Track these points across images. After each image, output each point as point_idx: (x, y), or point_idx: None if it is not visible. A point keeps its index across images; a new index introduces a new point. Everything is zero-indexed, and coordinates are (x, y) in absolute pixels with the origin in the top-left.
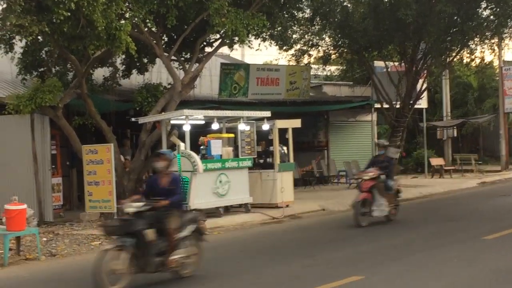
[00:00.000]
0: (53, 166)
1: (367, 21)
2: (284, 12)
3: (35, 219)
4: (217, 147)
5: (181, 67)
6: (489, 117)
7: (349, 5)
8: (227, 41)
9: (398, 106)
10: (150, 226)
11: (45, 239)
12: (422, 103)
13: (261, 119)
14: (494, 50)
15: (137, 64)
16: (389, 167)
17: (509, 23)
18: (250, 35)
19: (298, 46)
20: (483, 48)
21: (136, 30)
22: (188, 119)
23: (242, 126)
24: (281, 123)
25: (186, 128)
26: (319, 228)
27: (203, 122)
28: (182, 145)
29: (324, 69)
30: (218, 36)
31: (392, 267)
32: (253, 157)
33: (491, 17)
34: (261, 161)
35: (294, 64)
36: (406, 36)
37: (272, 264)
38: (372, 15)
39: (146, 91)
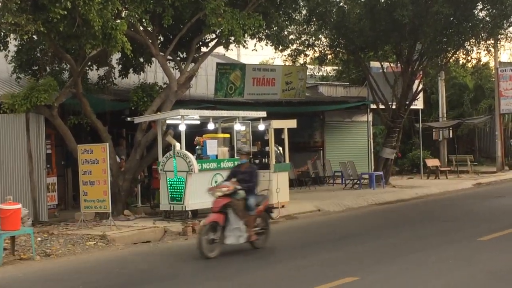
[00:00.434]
0: (48, 166)
1: (363, 22)
2: (281, 12)
3: (30, 219)
4: (212, 147)
5: (177, 67)
6: (484, 118)
7: (345, 6)
8: (223, 41)
9: (394, 106)
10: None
11: (39, 239)
12: (418, 104)
13: (257, 119)
14: (490, 51)
15: (133, 63)
16: (252, 180)
17: (505, 25)
18: (246, 35)
19: (294, 46)
20: (479, 49)
21: (132, 30)
22: (184, 119)
23: (237, 126)
24: (276, 123)
25: (182, 128)
26: (315, 228)
27: (198, 122)
28: (177, 145)
29: (320, 69)
30: (214, 36)
31: (388, 267)
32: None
33: (487, 18)
34: (257, 161)
35: (290, 64)
36: (402, 37)
37: (266, 265)
38: (368, 15)
39: (142, 91)
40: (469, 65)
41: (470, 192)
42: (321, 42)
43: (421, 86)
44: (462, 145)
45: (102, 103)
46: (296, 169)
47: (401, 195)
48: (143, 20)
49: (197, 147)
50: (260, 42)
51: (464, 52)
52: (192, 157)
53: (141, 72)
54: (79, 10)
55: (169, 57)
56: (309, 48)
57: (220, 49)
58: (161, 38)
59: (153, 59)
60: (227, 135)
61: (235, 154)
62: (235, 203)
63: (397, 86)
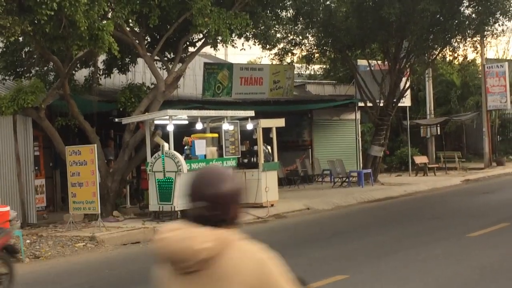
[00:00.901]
0: (36, 168)
1: (350, 20)
2: (268, 11)
3: (18, 221)
4: (201, 147)
5: (164, 67)
6: (472, 114)
7: (332, 4)
8: (210, 41)
9: (381, 104)
10: None
11: (28, 241)
12: (406, 101)
13: (245, 118)
14: (476, 48)
15: (119, 63)
16: None
17: (490, 21)
18: (233, 35)
19: (282, 45)
20: (465, 46)
21: (118, 30)
22: (172, 119)
23: (226, 126)
24: (265, 123)
25: (170, 128)
26: (304, 227)
27: (187, 122)
28: (166, 145)
29: (307, 68)
30: (201, 36)
31: (378, 265)
32: (237, 157)
33: (473, 15)
34: (245, 160)
35: (277, 63)
36: (389, 35)
37: None
38: (355, 14)
39: (129, 92)
40: (456, 62)
41: (459, 189)
42: (308, 41)
43: (408, 83)
44: (450, 142)
45: (90, 104)
46: (285, 167)
47: (389, 193)
48: (130, 20)
49: (186, 147)
50: (247, 42)
51: (451, 49)
52: (180, 157)
53: (128, 72)
54: (65, 11)
55: (156, 57)
56: (296, 47)
57: (208, 49)
58: (148, 38)
59: (140, 59)
60: (216, 135)
61: (224, 154)
62: None
63: (385, 84)
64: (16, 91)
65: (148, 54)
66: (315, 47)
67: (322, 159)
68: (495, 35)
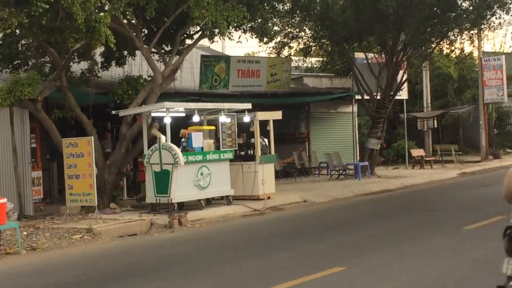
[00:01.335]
0: (33, 160)
1: (347, 13)
2: (265, 4)
3: (15, 213)
4: (198, 139)
5: (161, 59)
6: (469, 108)
7: None
8: (207, 33)
9: (378, 97)
10: None
11: (25, 233)
12: (403, 94)
13: (242, 111)
14: (473, 41)
15: (116, 56)
16: None
17: (488, 15)
18: (230, 27)
19: (279, 39)
20: (462, 39)
21: (115, 22)
22: (169, 112)
23: (223, 118)
24: (262, 115)
25: (167, 120)
26: (301, 219)
27: (184, 114)
28: (163, 137)
29: (304, 61)
30: (198, 28)
31: (374, 258)
32: (234, 149)
33: (470, 8)
34: (242, 153)
35: (274, 56)
36: (386, 27)
37: (254, 256)
38: (352, 6)
39: (127, 84)
40: (453, 55)
41: (455, 182)
42: (305, 34)
43: (405, 76)
44: (446, 135)
45: (86, 97)
46: (282, 160)
47: (386, 186)
48: (127, 12)
49: (183, 139)
50: (244, 34)
51: (448, 42)
52: (177, 150)
53: (125, 65)
54: (62, 3)
55: (153, 49)
56: (294, 40)
57: (205, 41)
58: (145, 30)
59: (137, 51)
60: (213, 127)
61: (221, 146)
62: None
63: (382, 76)
64: (13, 83)
65: (145, 46)
66: (312, 40)
67: (319, 151)
68: (492, 28)
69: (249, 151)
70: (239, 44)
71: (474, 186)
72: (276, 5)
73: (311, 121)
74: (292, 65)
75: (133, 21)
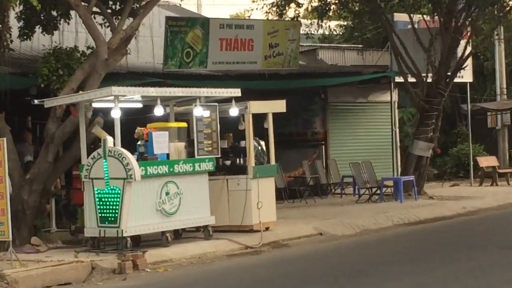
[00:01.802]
0: None
1: None
2: None
3: None
4: (162, 142)
5: (107, 23)
6: None
7: None
8: None
9: (429, 79)
10: None
11: None
12: (465, 76)
13: (227, 100)
14: None
15: (42, 18)
16: None
17: None
18: None
19: None
20: None
21: None
22: (119, 101)
23: (198, 111)
24: (256, 106)
25: (116, 114)
26: (314, 261)
27: (141, 105)
28: (109, 139)
29: (320, 25)
30: None
31: None
32: (216, 157)
33: None
34: (228, 162)
35: (275, 18)
36: None
37: None
38: None
39: (56, 60)
40: None
41: None
42: None
43: (469, 49)
44: None
45: None
46: (287, 173)
47: (441, 211)
48: None
49: (139, 142)
50: None
51: None
52: (131, 158)
53: (54, 32)
54: None
55: (95, 9)
56: None
57: None
58: None
59: (72, 12)
60: (184, 124)
61: (196, 153)
62: None
63: (434, 49)
64: None
65: (84, 4)
66: None
67: (342, 160)
68: None
69: (237, 160)
70: (222, 1)
71: None
72: None
73: (330, 115)
74: (301, 32)
75: None
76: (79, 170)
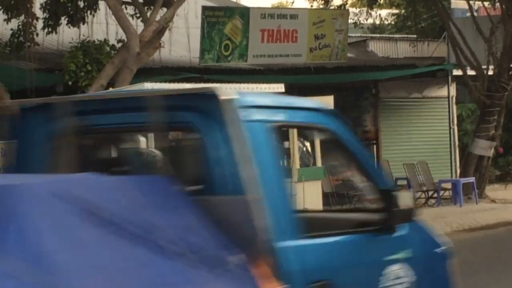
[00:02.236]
0: None
1: None
2: None
3: None
4: None
5: (138, 14)
6: None
7: None
8: None
9: (491, 72)
10: None
11: None
12: None
13: None
14: None
15: (69, 10)
16: None
17: None
18: None
19: None
20: None
21: None
22: None
23: None
24: None
25: None
26: None
27: None
28: (142, 139)
29: (369, 14)
30: None
31: None
32: None
33: None
34: None
35: (321, 7)
36: None
37: None
38: None
39: (84, 54)
40: None
41: None
42: None
43: None
44: None
45: (20, 76)
46: (334, 176)
47: (504, 215)
48: None
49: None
50: None
51: None
52: None
53: (81, 24)
54: None
55: None
56: None
57: None
58: None
59: (101, 2)
60: None
61: None
62: None
63: (496, 39)
64: None
65: None
66: None
67: (395, 161)
68: None
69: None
70: None
71: None
72: None
73: (382, 112)
74: (349, 21)
75: None
76: None
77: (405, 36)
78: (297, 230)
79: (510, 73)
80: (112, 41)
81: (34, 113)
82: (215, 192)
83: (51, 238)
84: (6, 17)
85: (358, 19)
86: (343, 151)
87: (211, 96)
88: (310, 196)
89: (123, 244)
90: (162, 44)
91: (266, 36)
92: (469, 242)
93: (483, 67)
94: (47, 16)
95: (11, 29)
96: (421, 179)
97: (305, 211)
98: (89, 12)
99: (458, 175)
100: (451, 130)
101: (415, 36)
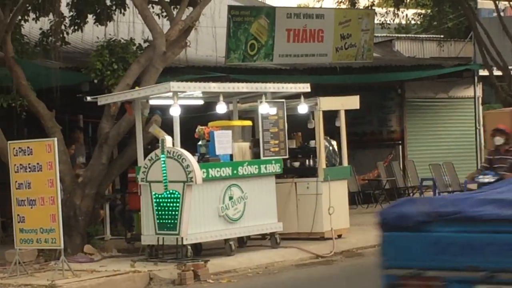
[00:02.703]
0: None
1: None
2: None
3: None
4: (224, 142)
5: (164, 13)
6: None
7: None
8: None
9: None
10: None
11: None
12: None
13: (296, 96)
14: None
15: (96, 8)
16: None
17: None
18: None
19: None
20: None
21: None
22: (178, 98)
23: (264, 108)
24: (327, 103)
25: (175, 111)
26: None
27: (201, 102)
28: (168, 139)
29: (396, 14)
30: None
31: None
32: (284, 158)
33: None
34: (296, 164)
35: (347, 7)
36: None
37: None
38: None
39: (110, 53)
40: None
41: None
42: None
43: None
44: None
45: (46, 74)
46: (360, 176)
47: None
48: None
49: (200, 142)
50: None
51: None
52: (192, 159)
53: (108, 23)
54: None
55: None
56: None
57: None
58: None
59: (128, 2)
60: (248, 123)
61: (261, 153)
62: None
63: None
64: None
65: None
66: None
67: (421, 161)
68: None
69: (307, 161)
70: None
71: None
72: None
73: (408, 112)
74: (375, 21)
75: None
76: (135, 172)
77: (431, 36)
78: None
79: None
80: (138, 40)
81: None
82: None
83: None
84: (34, 16)
85: (384, 19)
86: None
87: None
88: (336, 195)
89: None
90: (188, 43)
91: (292, 36)
92: None
93: (509, 67)
94: (74, 15)
95: (40, 29)
96: (446, 179)
97: None
98: (116, 10)
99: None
100: (477, 130)
101: (441, 36)
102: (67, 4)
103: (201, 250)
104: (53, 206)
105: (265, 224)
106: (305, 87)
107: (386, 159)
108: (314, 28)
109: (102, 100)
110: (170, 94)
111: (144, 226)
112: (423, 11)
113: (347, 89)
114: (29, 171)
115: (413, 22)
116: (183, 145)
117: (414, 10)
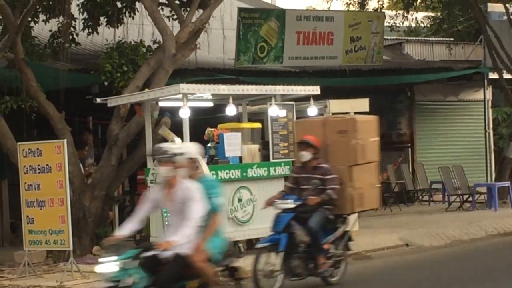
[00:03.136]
0: None
1: None
2: None
3: None
4: (234, 144)
5: (174, 15)
6: None
7: None
8: None
9: None
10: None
11: None
12: None
13: (305, 98)
14: None
15: (107, 10)
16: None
17: None
18: None
19: None
20: None
21: None
22: (188, 100)
23: (274, 111)
24: (337, 105)
25: (184, 113)
26: (401, 275)
27: (211, 104)
28: (177, 140)
29: (406, 17)
30: None
31: None
32: (293, 160)
33: None
34: None
35: (356, 9)
36: None
37: None
38: None
39: (119, 55)
40: None
41: None
42: None
43: None
44: None
45: (56, 76)
46: None
47: None
48: None
49: (209, 144)
50: None
51: None
52: (201, 161)
53: (119, 25)
54: None
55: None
56: None
57: None
58: None
59: (138, 4)
60: (258, 125)
61: (271, 156)
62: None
63: None
64: None
65: None
66: None
67: (430, 164)
68: None
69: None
70: None
71: None
72: None
73: (417, 115)
74: (385, 24)
75: None
76: (144, 174)
77: (441, 39)
78: None
79: None
80: (148, 42)
81: None
82: None
83: None
84: (44, 17)
85: (394, 22)
86: None
87: None
88: None
89: None
90: (197, 46)
91: (301, 38)
92: (504, 246)
93: None
94: (86, 17)
95: (50, 30)
96: (456, 182)
97: None
98: (127, 13)
99: (493, 179)
100: (487, 134)
101: (451, 39)
102: (79, 5)
103: None
104: (62, 208)
105: None
106: (315, 90)
107: (395, 162)
108: (324, 31)
109: (112, 102)
110: (180, 96)
111: (153, 228)
112: (433, 14)
113: (357, 92)
114: (39, 173)
115: (422, 25)
116: None
117: (424, 13)
